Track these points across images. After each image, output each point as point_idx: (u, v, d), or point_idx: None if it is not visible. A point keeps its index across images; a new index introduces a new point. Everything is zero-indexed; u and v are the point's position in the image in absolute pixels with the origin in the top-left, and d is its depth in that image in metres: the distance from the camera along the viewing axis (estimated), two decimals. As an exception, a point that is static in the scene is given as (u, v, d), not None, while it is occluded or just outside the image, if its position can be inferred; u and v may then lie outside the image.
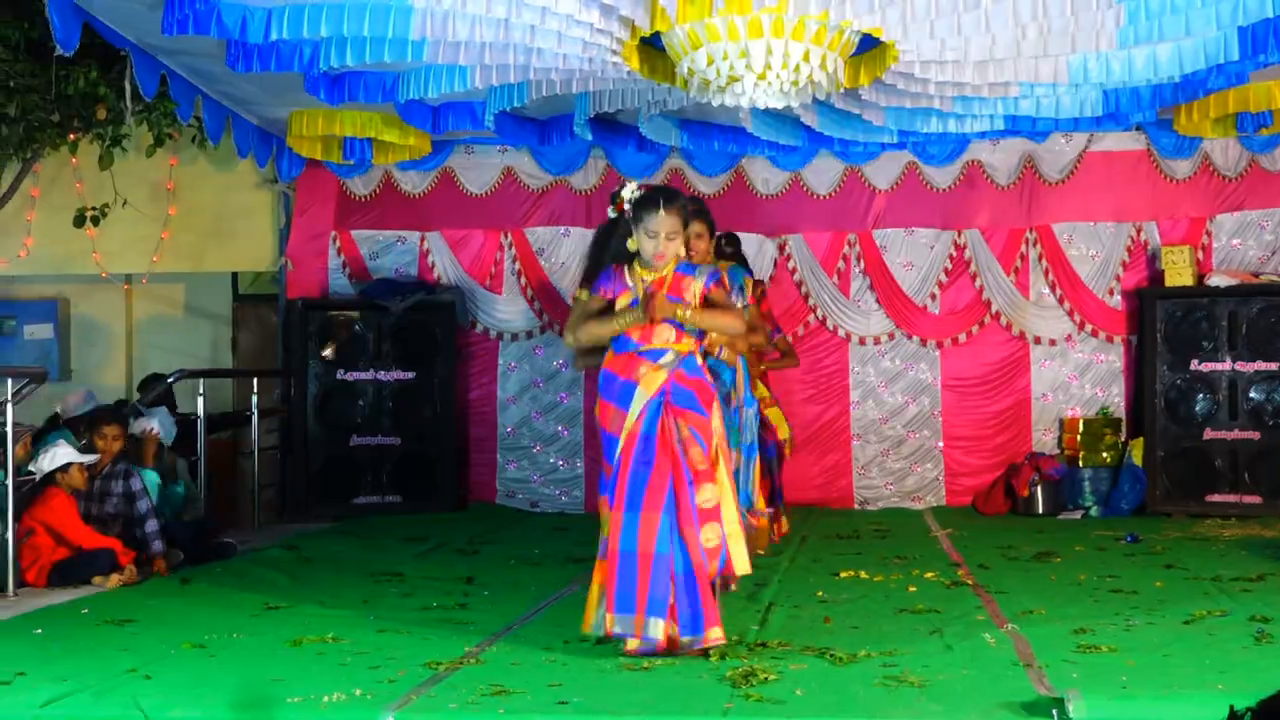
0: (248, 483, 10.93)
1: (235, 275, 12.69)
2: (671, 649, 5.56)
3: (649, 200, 5.77)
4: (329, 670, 5.44)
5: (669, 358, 5.74)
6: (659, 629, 5.53)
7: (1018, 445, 11.47)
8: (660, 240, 5.73)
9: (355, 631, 6.29)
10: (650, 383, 5.70)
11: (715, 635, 5.56)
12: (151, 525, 8.17)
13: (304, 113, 9.68)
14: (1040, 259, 11.46)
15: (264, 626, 6.44)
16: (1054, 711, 4.54)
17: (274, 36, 6.97)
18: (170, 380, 10.22)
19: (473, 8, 6.77)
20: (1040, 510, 10.97)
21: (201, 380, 10.24)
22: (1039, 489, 11.04)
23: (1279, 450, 10.39)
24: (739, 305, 5.81)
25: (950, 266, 11.57)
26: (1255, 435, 10.47)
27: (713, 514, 5.66)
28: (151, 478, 8.71)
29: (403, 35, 7.01)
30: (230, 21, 6.98)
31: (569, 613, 6.62)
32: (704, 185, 11.55)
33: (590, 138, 9.65)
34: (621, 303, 5.79)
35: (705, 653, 5.55)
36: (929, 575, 7.83)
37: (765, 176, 11.63)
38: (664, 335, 5.74)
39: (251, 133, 10.36)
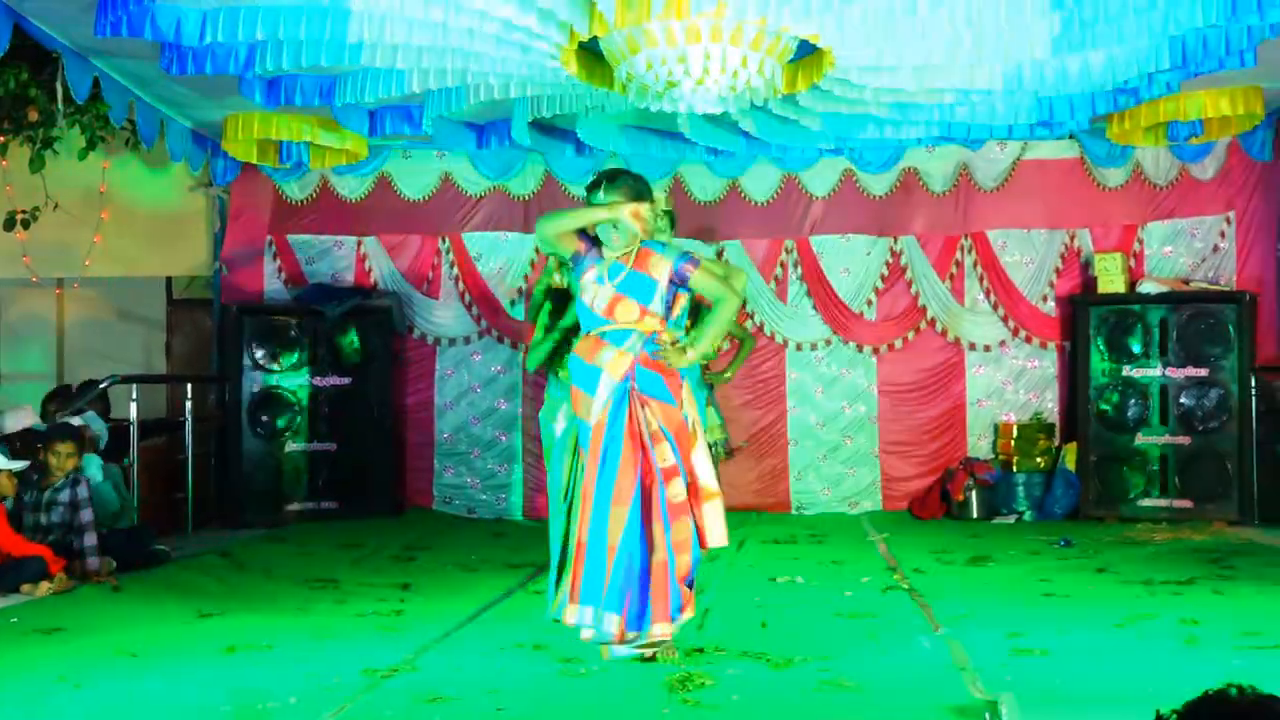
0: (181, 489, 10.82)
1: (169, 279, 12.57)
2: (619, 641, 5.58)
3: (593, 182, 5.80)
4: (263, 678, 5.39)
5: (632, 340, 5.72)
6: (613, 623, 5.55)
7: (953, 450, 11.56)
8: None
9: (290, 639, 6.24)
10: (615, 367, 5.70)
11: (661, 630, 5.56)
12: (90, 539, 8.08)
13: (239, 116, 9.61)
14: (975, 265, 11.56)
15: (197, 634, 6.37)
16: (987, 715, 4.57)
17: (209, 39, 6.91)
18: (103, 385, 10.10)
19: (410, 11, 6.75)
20: (975, 515, 11.06)
21: (134, 385, 10.13)
22: (974, 494, 11.12)
23: (1209, 455, 10.52)
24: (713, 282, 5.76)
25: (886, 273, 11.65)
26: (1186, 440, 10.60)
27: (682, 508, 5.66)
28: (94, 461, 8.62)
29: (339, 38, 6.97)
30: (164, 23, 6.91)
31: (506, 619, 6.61)
32: (642, 191, 11.54)
33: (528, 143, 9.63)
34: (587, 278, 5.77)
35: (653, 645, 5.57)
36: (865, 580, 7.88)
37: (703, 183, 11.66)
38: (629, 313, 5.72)
39: (186, 136, 10.27)
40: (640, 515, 5.60)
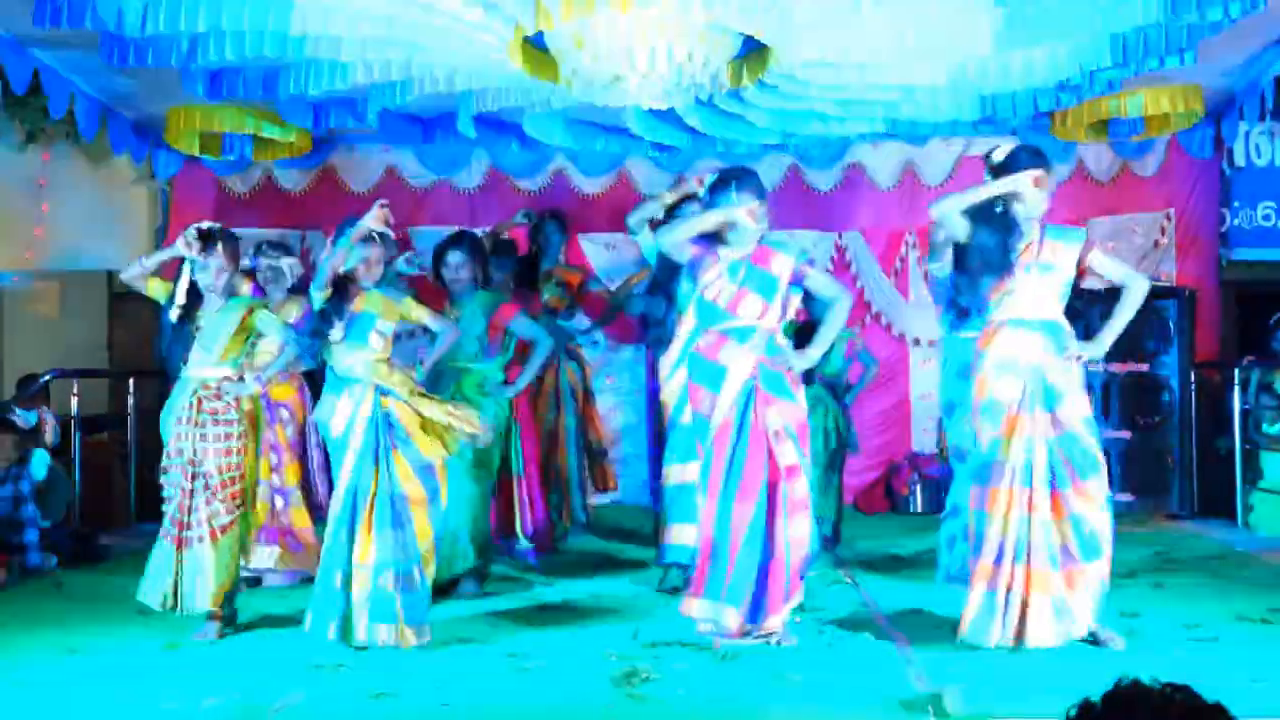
0: (124, 484, 10.71)
1: (110, 273, 12.44)
2: (736, 635, 5.69)
3: (719, 182, 5.93)
4: (205, 675, 5.36)
5: (755, 339, 5.79)
6: (732, 617, 5.67)
7: (898, 445, 11.60)
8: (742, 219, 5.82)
9: (233, 635, 6.21)
10: (741, 365, 5.76)
11: (771, 624, 5.70)
12: (31, 535, 8.01)
13: (181, 109, 9.51)
14: (920, 261, 11.62)
15: (139, 630, 6.31)
16: (931, 707, 4.60)
17: (150, 30, 6.84)
18: (45, 380, 10.00)
19: (354, 3, 6.71)
20: (920, 509, 11.12)
21: (76, 380, 10.04)
22: (918, 488, 11.19)
23: (1150, 449, 10.62)
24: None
25: (831, 268, 11.66)
26: (1126, 434, 10.68)
27: (802, 505, 5.77)
28: (42, 457, 8.55)
29: (283, 30, 6.93)
30: (105, 13, 6.84)
31: (452, 614, 6.60)
32: (588, 186, 11.54)
33: (474, 135, 9.59)
34: (709, 275, 5.85)
35: (766, 639, 5.68)
36: (811, 574, 7.89)
37: (649, 178, 11.64)
38: (752, 309, 5.80)
39: (127, 128, 10.16)
40: (766, 513, 5.70)
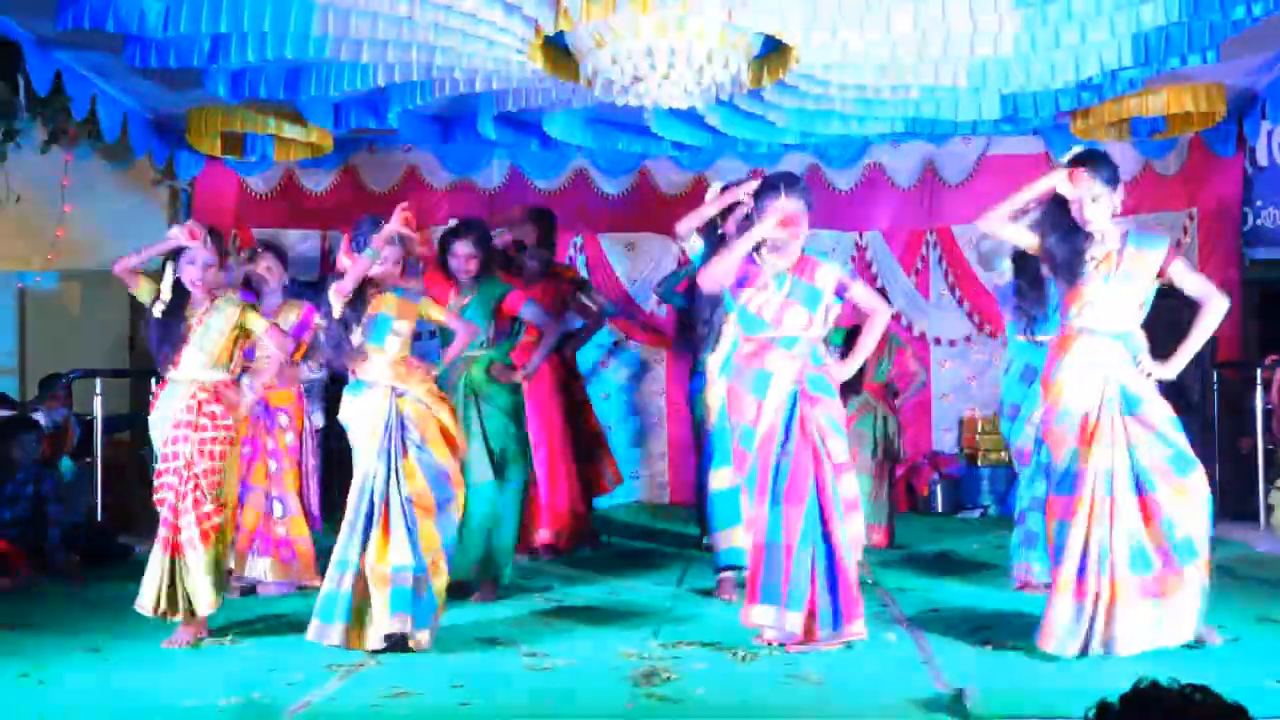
0: (146, 484, 10.74)
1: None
2: (809, 640, 5.59)
3: (768, 188, 5.82)
4: (227, 673, 5.37)
5: (801, 347, 5.76)
6: (796, 622, 5.58)
7: (918, 444, 11.59)
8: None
9: (254, 634, 6.23)
10: (786, 371, 5.72)
11: (856, 629, 5.61)
12: (54, 534, 8.05)
13: (203, 110, 9.54)
14: (940, 260, 11.60)
15: (161, 630, 6.33)
16: (950, 707, 4.59)
17: (172, 31, 6.87)
18: (67, 380, 10.04)
19: (375, 4, 6.73)
20: (939, 509, 11.10)
21: (98, 380, 10.07)
22: (938, 488, 11.17)
23: (1171, 449, 10.56)
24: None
25: (852, 267, 11.64)
26: (1148, 435, 10.63)
27: (854, 504, 5.73)
28: (67, 465, 8.59)
29: (304, 31, 6.95)
30: (127, 14, 6.87)
31: (470, 614, 6.61)
32: (609, 186, 11.55)
33: (494, 136, 9.60)
34: (751, 287, 5.78)
35: (848, 645, 5.61)
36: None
37: (670, 178, 11.64)
38: (798, 320, 5.76)
39: (149, 129, 10.20)
40: (819, 513, 5.63)
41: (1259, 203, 10.91)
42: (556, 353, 8.69)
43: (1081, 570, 5.44)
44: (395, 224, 6.05)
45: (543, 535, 8.61)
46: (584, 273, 11.08)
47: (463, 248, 7.32)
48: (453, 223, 7.98)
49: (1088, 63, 7.68)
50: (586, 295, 9.19)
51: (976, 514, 11.02)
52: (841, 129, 9.33)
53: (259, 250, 8.01)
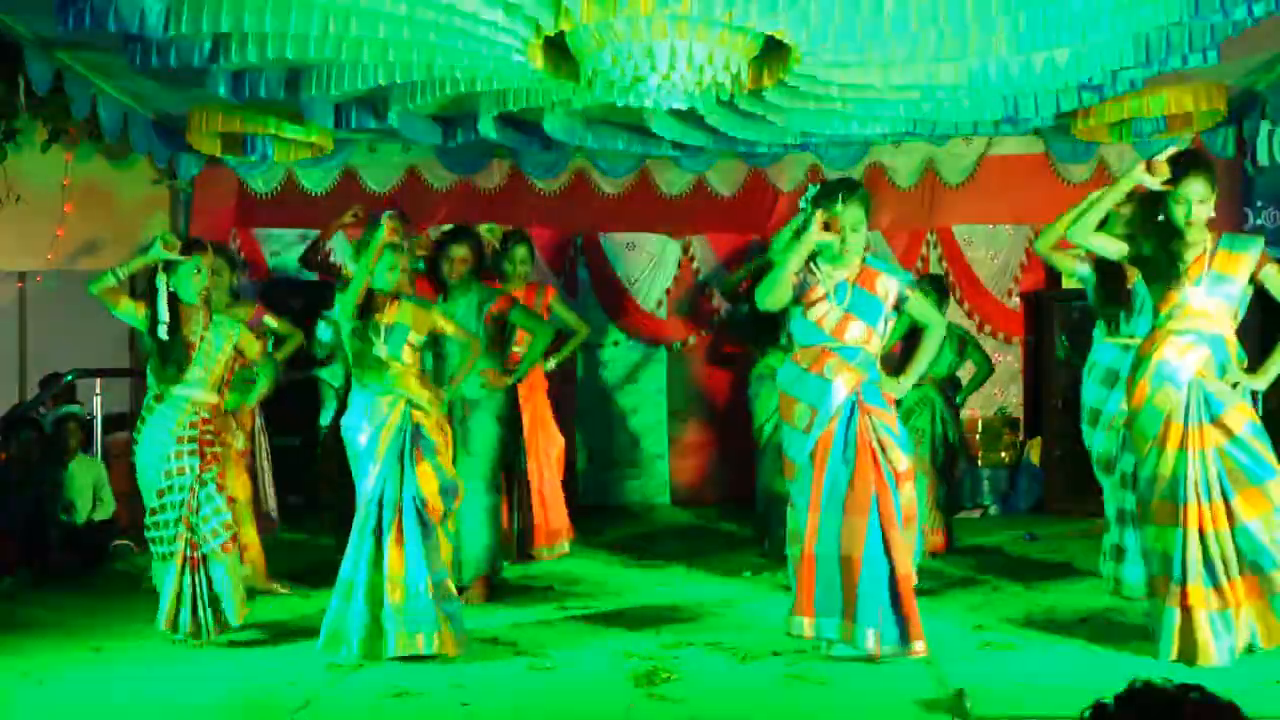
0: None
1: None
2: (872, 659, 5.41)
3: (827, 193, 5.74)
4: (229, 673, 5.38)
5: (861, 358, 5.65)
6: (872, 639, 5.38)
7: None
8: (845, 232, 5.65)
9: (256, 634, 6.23)
10: (847, 380, 5.60)
11: (919, 648, 5.40)
12: (54, 534, 8.06)
13: (204, 109, 9.53)
14: (941, 260, 11.60)
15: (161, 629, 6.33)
16: (950, 708, 4.59)
17: (173, 31, 6.86)
18: (68, 379, 10.05)
19: (375, 4, 6.72)
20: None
21: (98, 379, 10.08)
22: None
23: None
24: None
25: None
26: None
27: (913, 514, 5.65)
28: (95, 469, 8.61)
29: (304, 31, 6.94)
30: (128, 14, 6.86)
31: (470, 616, 6.61)
32: (609, 186, 11.54)
33: (495, 136, 9.59)
34: (811, 296, 5.68)
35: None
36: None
37: (669, 177, 11.63)
38: (857, 334, 5.66)
39: (149, 129, 10.19)
40: (879, 524, 5.49)
41: (1259, 203, 10.91)
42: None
43: (1175, 577, 5.38)
44: (384, 235, 6.04)
45: (539, 537, 8.61)
46: (584, 273, 11.16)
47: (459, 251, 7.51)
48: (447, 228, 8.08)
49: (1088, 63, 7.68)
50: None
51: (977, 513, 11.01)
52: (842, 129, 9.32)
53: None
